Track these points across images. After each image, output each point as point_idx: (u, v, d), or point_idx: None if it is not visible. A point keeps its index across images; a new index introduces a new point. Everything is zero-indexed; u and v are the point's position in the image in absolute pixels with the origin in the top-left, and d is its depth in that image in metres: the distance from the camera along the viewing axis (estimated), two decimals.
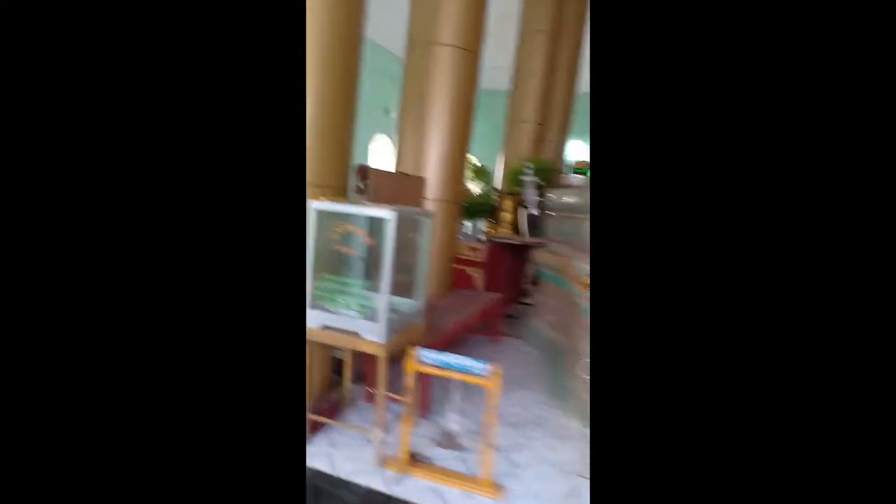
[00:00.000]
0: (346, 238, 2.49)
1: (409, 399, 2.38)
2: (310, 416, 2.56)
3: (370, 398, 3.09)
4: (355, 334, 2.38)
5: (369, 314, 2.40)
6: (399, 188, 3.61)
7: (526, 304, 5.39)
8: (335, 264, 2.60)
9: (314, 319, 2.46)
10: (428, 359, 2.33)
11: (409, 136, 4.55)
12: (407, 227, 2.58)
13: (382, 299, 2.30)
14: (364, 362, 3.23)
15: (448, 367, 2.31)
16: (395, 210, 2.28)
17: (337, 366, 3.02)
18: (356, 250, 2.47)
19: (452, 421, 2.51)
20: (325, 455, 2.47)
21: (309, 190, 2.52)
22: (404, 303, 2.65)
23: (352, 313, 2.42)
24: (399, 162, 4.65)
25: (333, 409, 2.81)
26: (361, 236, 2.45)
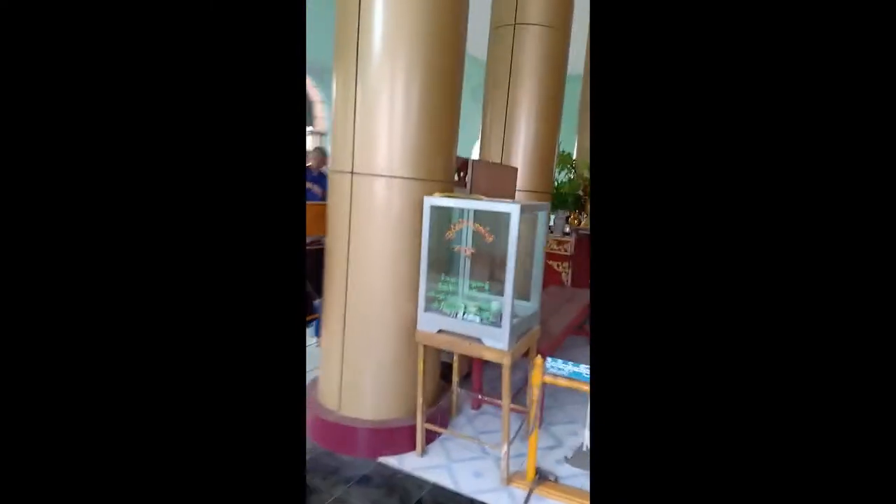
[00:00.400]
0: (469, 235, 2.30)
1: (533, 411, 2.18)
2: (425, 426, 2.41)
3: (478, 404, 2.92)
4: (476, 340, 2.20)
5: (491, 319, 2.21)
6: (496, 178, 3.40)
7: None
8: (452, 264, 2.42)
9: (429, 323, 2.29)
10: (556, 369, 2.12)
11: (493, 123, 4.33)
12: (526, 222, 2.37)
13: (507, 303, 2.11)
14: (471, 366, 3.06)
15: (579, 377, 2.10)
16: (519, 204, 2.07)
17: (444, 370, 2.85)
18: (475, 249, 2.28)
19: (586, 437, 2.30)
20: (444, 469, 2.31)
21: (419, 185, 2.35)
22: (523, 305, 2.45)
23: (472, 317, 2.23)
24: (483, 150, 4.45)
25: (444, 417, 2.65)
26: (481, 233, 2.25)
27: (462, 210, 2.26)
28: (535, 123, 4.17)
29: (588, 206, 4.99)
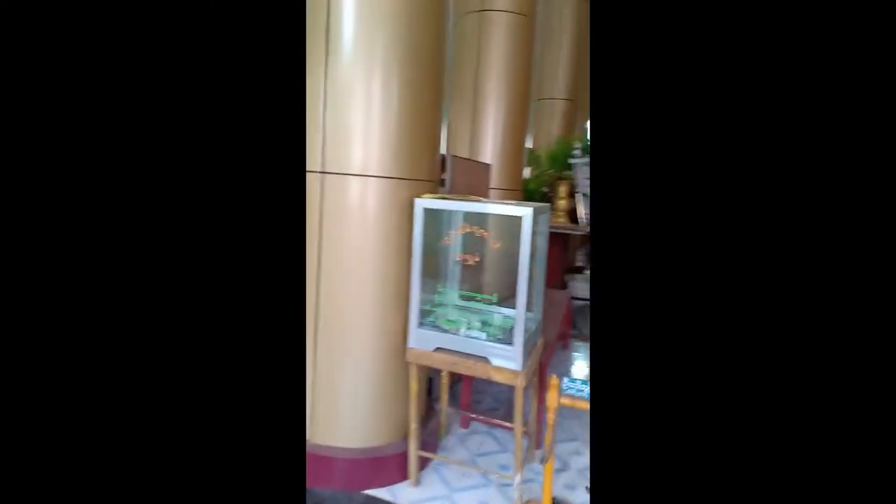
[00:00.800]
0: (464, 242, 2.05)
1: (549, 437, 1.97)
2: (419, 453, 2.14)
3: (467, 422, 2.69)
4: (482, 359, 1.96)
5: (499, 335, 1.97)
6: (472, 176, 3.17)
7: (578, 298, 5.00)
8: (445, 274, 2.17)
9: (424, 340, 2.03)
10: (574, 390, 1.92)
11: (460, 117, 4.08)
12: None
13: (520, 317, 1.88)
14: (455, 380, 2.82)
15: None
16: (531, 206, 1.85)
17: (428, 386, 2.59)
18: (478, 256, 2.03)
19: None
20: (445, 500, 2.06)
21: (401, 185, 2.08)
22: (528, 317, 2.23)
23: (475, 334, 1.99)
24: (449, 146, 4.20)
25: (433, 440, 2.40)
26: (486, 239, 2.01)
27: (457, 214, 2.01)
28: (503, 117, 3.96)
29: (556, 203, 4.86)
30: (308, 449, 2.15)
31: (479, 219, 2.01)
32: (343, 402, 2.17)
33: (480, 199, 2.09)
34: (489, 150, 3.97)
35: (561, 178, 4.90)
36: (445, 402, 2.54)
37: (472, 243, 2.07)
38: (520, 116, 4.06)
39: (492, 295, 2.08)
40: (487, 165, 3.49)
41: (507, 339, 1.94)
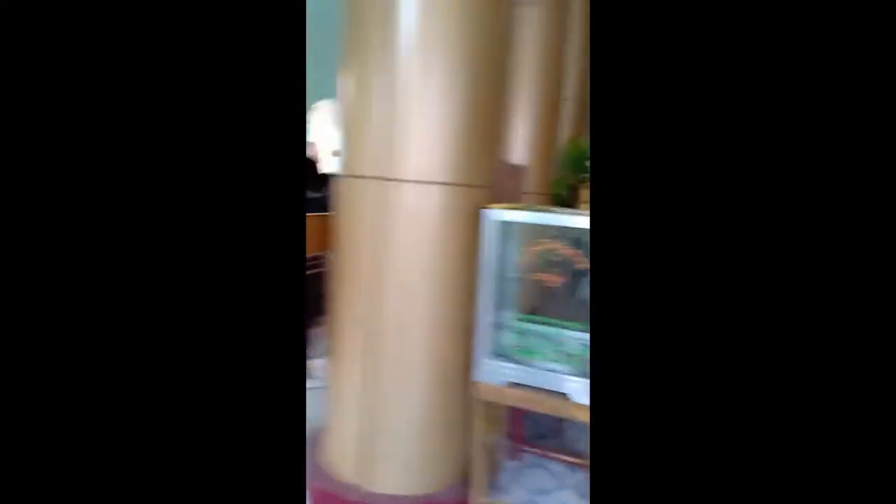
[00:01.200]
0: (545, 260, 1.79)
1: None
2: (481, 501, 1.88)
3: (515, 454, 2.43)
4: (562, 396, 1.70)
5: (582, 368, 1.72)
6: (509, 180, 2.92)
7: None
8: (526, 298, 1.91)
9: (495, 373, 1.77)
10: None
11: None
12: None
13: None
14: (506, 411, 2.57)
15: None
16: None
17: None
18: (562, 277, 1.77)
19: None
20: None
21: (466, 192, 1.82)
22: None
23: (556, 367, 1.73)
24: None
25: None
26: (568, 257, 1.75)
27: (518, 226, 1.76)
28: (535, 115, 3.70)
29: (578, 208, 4.63)
30: (357, 498, 1.89)
31: (556, 233, 1.76)
32: (400, 440, 1.91)
33: (575, 209, 1.83)
34: (519, 150, 3.71)
35: (580, 182, 4.66)
36: (503, 435, 2.27)
37: (547, 261, 1.81)
38: (552, 114, 3.82)
39: (574, 322, 1.83)
40: (523, 167, 3.24)
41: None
